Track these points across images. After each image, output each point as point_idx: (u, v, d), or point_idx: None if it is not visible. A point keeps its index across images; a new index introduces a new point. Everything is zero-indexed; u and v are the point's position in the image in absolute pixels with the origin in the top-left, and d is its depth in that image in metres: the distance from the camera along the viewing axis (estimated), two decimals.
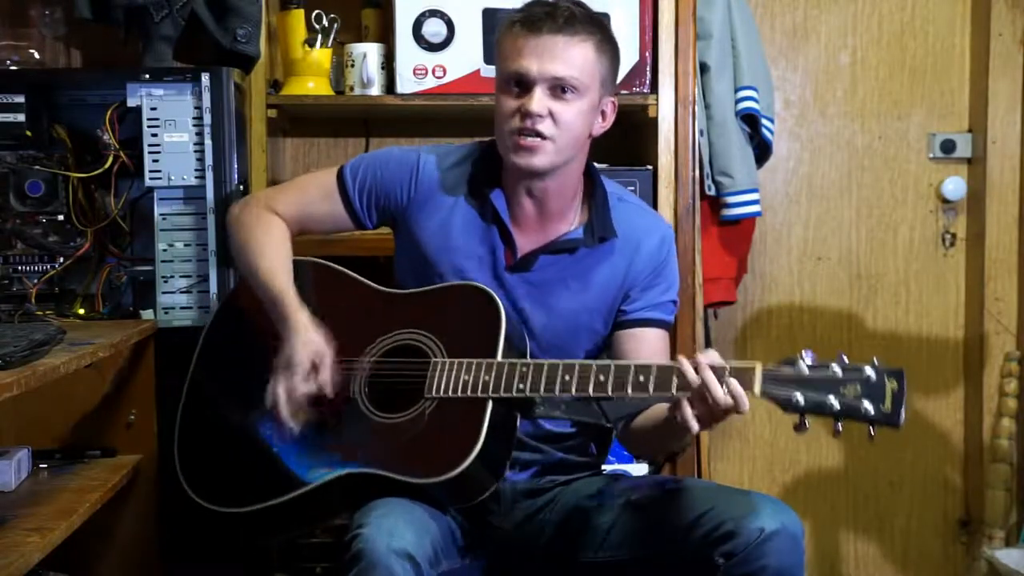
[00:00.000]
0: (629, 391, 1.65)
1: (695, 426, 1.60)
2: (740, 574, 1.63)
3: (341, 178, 1.98)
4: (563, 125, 1.80)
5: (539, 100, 1.78)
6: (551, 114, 1.78)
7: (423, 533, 1.63)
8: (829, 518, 3.20)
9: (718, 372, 1.59)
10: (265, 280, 1.89)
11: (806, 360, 1.58)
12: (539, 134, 1.79)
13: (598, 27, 1.83)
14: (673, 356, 1.76)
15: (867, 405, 1.54)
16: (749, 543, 1.62)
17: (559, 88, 1.79)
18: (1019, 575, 2.70)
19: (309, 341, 1.79)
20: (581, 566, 1.83)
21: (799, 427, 1.57)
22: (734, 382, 1.57)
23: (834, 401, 1.55)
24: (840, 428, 1.56)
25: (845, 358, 1.58)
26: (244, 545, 2.10)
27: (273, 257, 1.93)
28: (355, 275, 1.97)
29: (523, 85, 1.80)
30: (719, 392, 1.57)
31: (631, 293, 1.90)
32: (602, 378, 1.67)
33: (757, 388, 1.57)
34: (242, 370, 1.95)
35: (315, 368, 1.77)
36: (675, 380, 1.62)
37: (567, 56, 1.78)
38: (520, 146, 1.80)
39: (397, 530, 1.59)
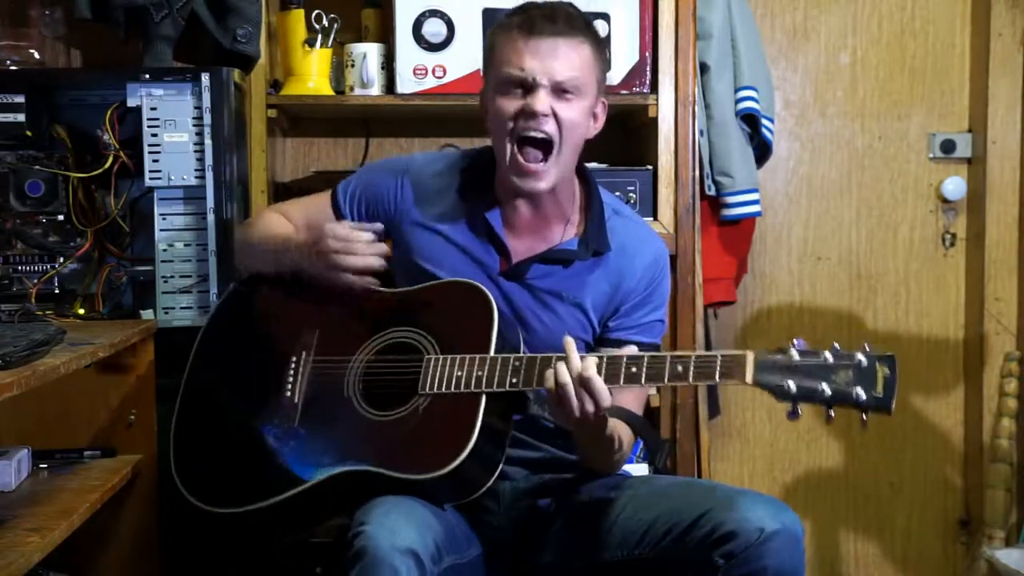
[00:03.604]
0: (622, 383, 1.66)
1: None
2: (740, 574, 1.63)
3: (334, 195, 2.01)
4: (566, 125, 1.80)
5: (543, 99, 1.78)
6: (554, 114, 1.79)
7: (425, 530, 1.63)
8: (829, 518, 3.20)
9: (705, 360, 1.61)
10: (272, 244, 1.94)
11: (797, 348, 1.58)
12: (543, 139, 1.79)
13: (592, 29, 1.85)
14: None
15: (858, 391, 1.54)
16: (749, 543, 1.62)
17: (561, 90, 1.79)
18: (1019, 575, 2.70)
19: (312, 232, 1.86)
20: (580, 566, 1.83)
21: (791, 414, 1.58)
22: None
23: (825, 388, 1.55)
24: (832, 414, 1.57)
25: (837, 346, 1.58)
26: (242, 548, 2.10)
27: (277, 233, 1.97)
28: None
29: (525, 87, 1.80)
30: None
31: (621, 308, 1.90)
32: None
33: (749, 376, 1.58)
34: (239, 371, 1.95)
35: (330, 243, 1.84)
36: (667, 370, 1.63)
37: (569, 58, 1.79)
38: (523, 171, 1.81)
39: (400, 527, 1.59)
